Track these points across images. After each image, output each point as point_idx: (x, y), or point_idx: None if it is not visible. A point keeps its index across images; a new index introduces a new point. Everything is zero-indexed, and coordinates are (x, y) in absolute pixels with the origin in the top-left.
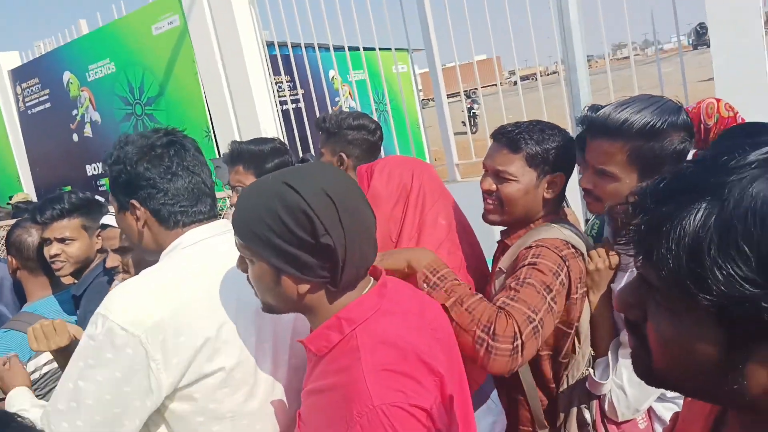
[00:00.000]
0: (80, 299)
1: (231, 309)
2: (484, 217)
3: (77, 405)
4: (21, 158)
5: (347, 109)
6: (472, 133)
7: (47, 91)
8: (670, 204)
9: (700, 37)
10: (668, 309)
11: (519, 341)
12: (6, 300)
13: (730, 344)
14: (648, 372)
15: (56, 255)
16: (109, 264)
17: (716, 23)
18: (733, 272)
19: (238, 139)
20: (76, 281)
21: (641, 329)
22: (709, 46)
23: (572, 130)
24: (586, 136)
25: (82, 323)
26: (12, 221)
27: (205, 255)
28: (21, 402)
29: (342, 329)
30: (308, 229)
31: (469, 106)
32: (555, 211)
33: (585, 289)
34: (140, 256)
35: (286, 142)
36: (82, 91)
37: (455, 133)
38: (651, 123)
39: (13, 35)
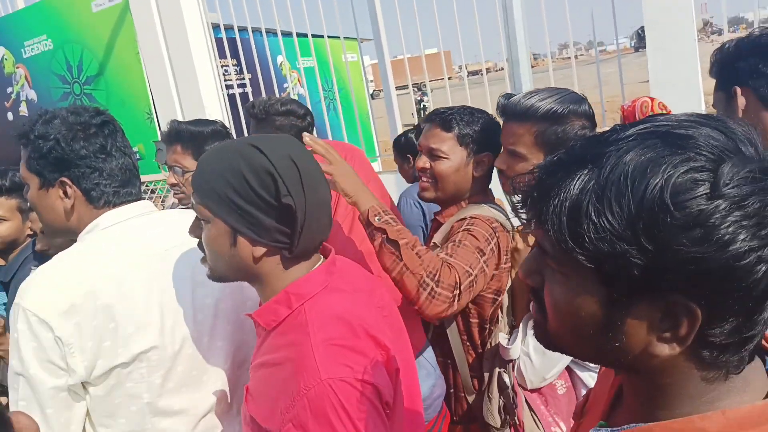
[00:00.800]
0: (8, 285)
1: (152, 290)
2: (420, 195)
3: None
4: None
5: (295, 96)
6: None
7: None
8: (558, 174)
9: (642, 39)
10: (560, 272)
11: (458, 291)
12: None
13: (609, 301)
14: (545, 335)
15: None
16: (38, 247)
17: (652, 26)
18: (606, 228)
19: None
20: (2, 262)
21: (541, 295)
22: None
23: None
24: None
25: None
26: None
27: (124, 236)
28: None
29: (290, 303)
30: (271, 189)
31: (419, 98)
32: (483, 191)
33: (509, 263)
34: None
35: (232, 126)
36: (17, 68)
37: (405, 125)
38: (554, 109)
39: None
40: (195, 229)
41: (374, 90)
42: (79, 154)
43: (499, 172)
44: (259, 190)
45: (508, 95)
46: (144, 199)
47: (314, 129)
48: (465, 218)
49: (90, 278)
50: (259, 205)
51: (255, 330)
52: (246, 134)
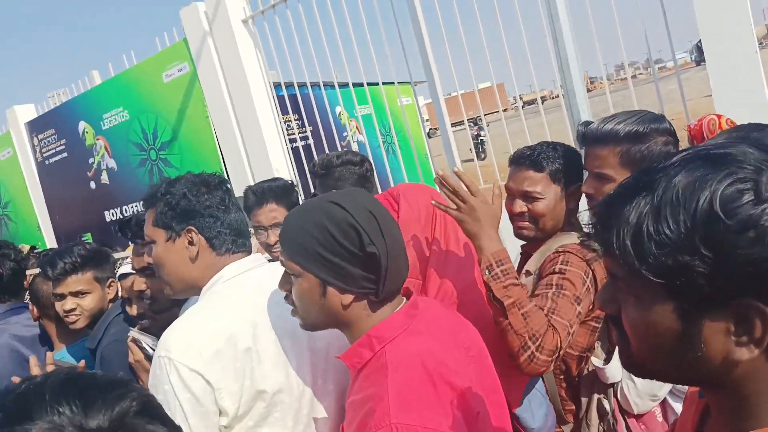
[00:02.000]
0: (95, 351)
1: (272, 335)
2: (518, 234)
3: None
4: (40, 207)
5: (355, 143)
6: (481, 159)
7: (63, 141)
8: (616, 204)
9: (702, 53)
10: (631, 294)
11: (557, 354)
12: (36, 348)
13: (683, 313)
14: (630, 361)
15: (71, 310)
16: (133, 312)
17: (709, 38)
18: (667, 243)
19: (250, 179)
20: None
21: (620, 321)
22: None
23: None
24: (583, 147)
25: None
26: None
27: (247, 285)
28: None
29: (373, 346)
30: (355, 240)
31: (476, 133)
32: (570, 221)
33: None
34: (162, 299)
35: (297, 177)
36: (97, 139)
37: (464, 161)
38: (635, 129)
39: (28, 88)
40: (284, 284)
41: (430, 129)
42: (203, 204)
43: (588, 197)
44: (344, 242)
45: (587, 123)
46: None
47: (374, 173)
48: (558, 252)
49: (228, 325)
50: (346, 257)
51: None
52: (311, 186)
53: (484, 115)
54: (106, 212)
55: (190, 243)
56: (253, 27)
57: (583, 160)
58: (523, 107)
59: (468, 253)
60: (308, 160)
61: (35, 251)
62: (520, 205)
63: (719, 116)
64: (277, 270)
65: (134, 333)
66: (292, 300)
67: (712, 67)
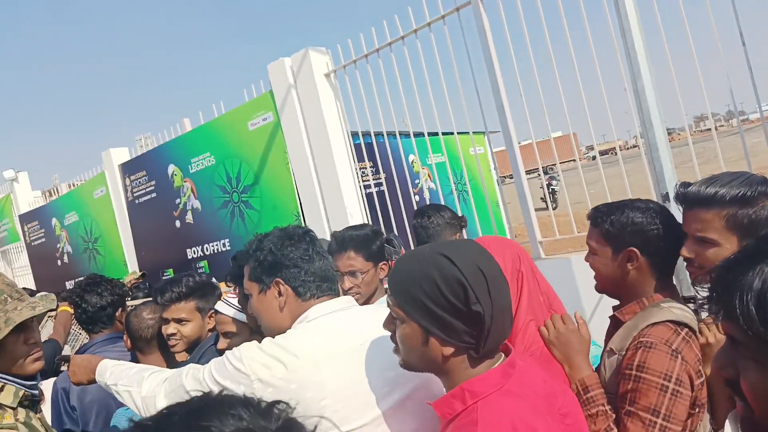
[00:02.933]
0: None
1: (347, 381)
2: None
3: None
4: (128, 244)
5: (427, 191)
6: (553, 209)
7: (153, 182)
8: (737, 269)
9: None
10: (753, 359)
11: None
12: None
13: None
14: (753, 428)
15: (172, 334)
16: (219, 346)
17: None
18: None
19: (325, 222)
20: (186, 357)
21: (738, 386)
22: None
23: None
24: (682, 209)
25: None
26: (136, 302)
27: (328, 328)
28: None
29: (465, 400)
30: (461, 297)
31: (547, 182)
32: (666, 287)
33: (702, 374)
34: (245, 340)
35: (370, 221)
36: (185, 181)
37: (536, 209)
38: (742, 192)
39: (124, 133)
40: (389, 324)
41: (498, 177)
42: (288, 257)
43: (687, 261)
44: (450, 298)
45: (685, 184)
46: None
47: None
48: (642, 342)
49: (290, 363)
50: (450, 311)
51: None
52: (384, 231)
53: (558, 163)
54: (188, 250)
55: (279, 294)
56: (334, 80)
57: (650, 224)
58: (594, 158)
59: (556, 307)
60: (381, 206)
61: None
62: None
63: None
64: (361, 314)
65: None
66: (395, 341)
67: None
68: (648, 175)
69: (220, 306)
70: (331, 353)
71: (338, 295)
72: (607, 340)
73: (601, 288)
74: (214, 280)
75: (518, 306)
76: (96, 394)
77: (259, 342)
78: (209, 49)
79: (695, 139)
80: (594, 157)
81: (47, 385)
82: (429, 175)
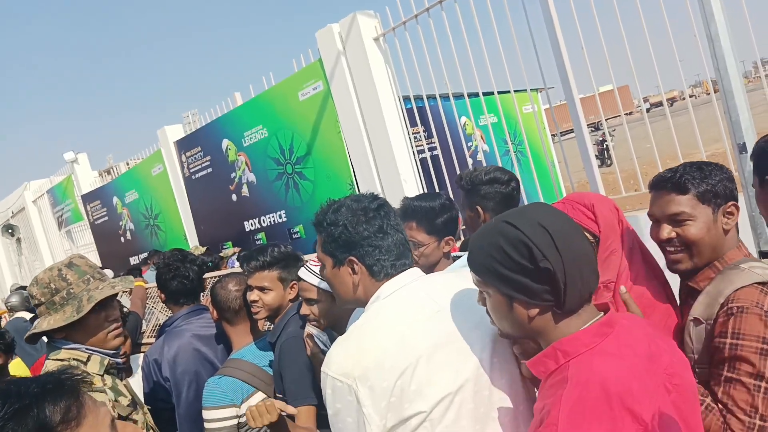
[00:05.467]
0: (275, 344)
1: (428, 350)
2: (672, 268)
3: None
4: (187, 219)
5: (482, 152)
6: (607, 165)
7: (208, 158)
8: None
9: None
10: None
11: None
12: (213, 347)
13: None
14: None
15: (255, 301)
16: (302, 311)
17: None
18: None
19: (380, 189)
20: (270, 325)
21: None
22: None
23: (733, 159)
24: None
25: (276, 374)
26: (218, 272)
27: (402, 303)
28: None
29: (557, 359)
30: (527, 256)
31: (601, 138)
32: (736, 244)
33: None
34: (327, 306)
35: (425, 187)
36: (239, 155)
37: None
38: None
39: (178, 110)
40: (480, 299)
41: (557, 132)
42: (362, 236)
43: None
44: (519, 259)
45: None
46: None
47: (521, 191)
48: (731, 310)
49: (377, 346)
50: (522, 272)
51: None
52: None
53: (613, 117)
54: (245, 222)
55: (353, 271)
56: (384, 44)
57: (733, 178)
58: (648, 110)
59: (655, 266)
60: (435, 170)
61: (210, 254)
62: (668, 230)
63: None
64: (431, 284)
65: (309, 328)
66: (489, 314)
67: None
68: (721, 125)
69: (302, 273)
70: (410, 325)
71: (412, 266)
72: (681, 309)
73: (699, 262)
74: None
75: (622, 259)
76: (187, 365)
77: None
78: (256, 24)
79: (757, 86)
80: (649, 109)
81: (138, 360)
82: (482, 137)
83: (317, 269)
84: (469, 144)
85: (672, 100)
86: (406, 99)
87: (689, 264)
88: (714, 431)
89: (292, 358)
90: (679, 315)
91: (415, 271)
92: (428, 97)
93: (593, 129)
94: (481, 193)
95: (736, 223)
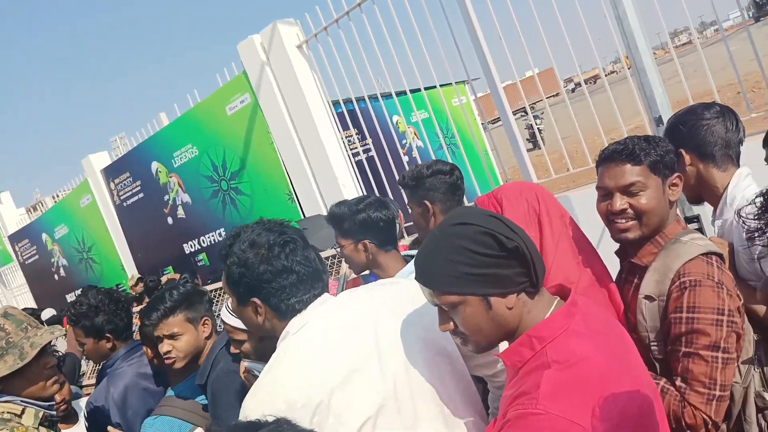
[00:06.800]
0: (205, 386)
1: (343, 377)
2: (619, 237)
3: None
4: (122, 248)
5: (416, 149)
6: (539, 148)
7: (139, 182)
8: None
9: (761, 8)
10: None
11: (711, 421)
12: (151, 389)
13: None
14: None
15: (168, 351)
16: (233, 350)
17: None
18: None
19: (318, 197)
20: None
21: None
22: None
23: (652, 132)
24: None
25: (212, 416)
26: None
27: (310, 334)
28: None
29: (533, 346)
30: (494, 245)
31: (531, 123)
32: (675, 218)
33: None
34: (257, 341)
35: (364, 190)
36: (170, 177)
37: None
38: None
39: (102, 136)
40: (445, 322)
41: (486, 121)
42: (264, 279)
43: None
44: (487, 251)
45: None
46: (329, 275)
47: (463, 180)
48: (683, 285)
49: (286, 387)
50: (494, 263)
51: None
52: (391, 197)
53: (538, 101)
54: (184, 245)
55: (257, 312)
56: (307, 51)
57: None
58: (573, 90)
59: (588, 250)
60: (372, 171)
61: (144, 280)
62: (621, 201)
63: None
64: (337, 306)
65: (246, 362)
66: (459, 334)
67: None
68: (637, 100)
69: (224, 315)
70: (320, 362)
71: (325, 289)
72: (623, 287)
73: (647, 232)
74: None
75: (543, 247)
76: (137, 406)
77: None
78: (179, 40)
79: (671, 55)
80: (574, 89)
81: (81, 404)
82: (415, 134)
83: None
84: (404, 142)
85: (595, 78)
86: (336, 103)
87: (638, 233)
88: (673, 411)
89: (225, 399)
90: (619, 295)
91: (324, 298)
92: (358, 100)
93: (524, 114)
94: (426, 186)
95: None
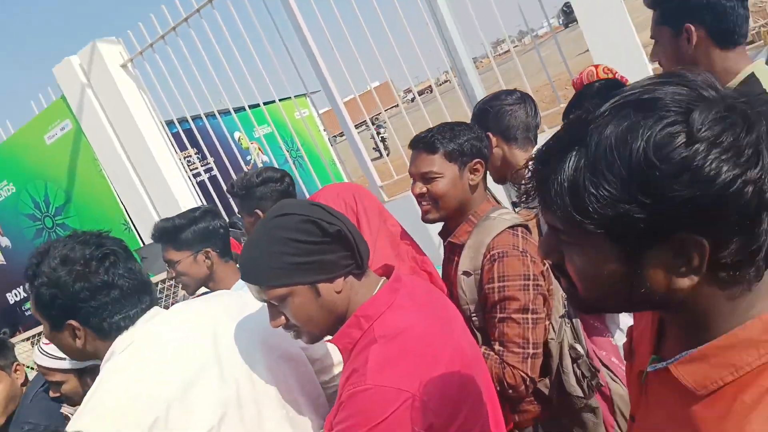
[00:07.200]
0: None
1: (180, 390)
2: (424, 218)
3: None
4: None
5: (261, 164)
6: (387, 155)
7: None
8: (551, 161)
9: (568, 15)
10: (573, 244)
11: (528, 377)
12: None
13: (625, 257)
14: (580, 303)
15: None
16: (52, 394)
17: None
18: (606, 196)
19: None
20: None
21: (564, 268)
22: (578, 22)
23: None
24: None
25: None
26: None
27: (140, 351)
28: None
29: (361, 326)
30: (316, 231)
31: (376, 131)
32: (485, 198)
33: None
34: (78, 381)
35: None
36: None
37: (373, 159)
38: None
39: None
40: (275, 317)
41: (331, 136)
42: (80, 298)
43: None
44: (310, 238)
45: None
46: (162, 299)
47: (295, 187)
48: (492, 258)
49: (113, 409)
50: (318, 249)
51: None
52: (226, 215)
53: (380, 113)
54: (8, 294)
55: (75, 336)
56: (133, 70)
57: (485, 137)
58: (413, 100)
59: (408, 242)
60: (217, 191)
61: None
62: (419, 187)
63: (596, 66)
64: (169, 318)
65: (66, 409)
66: (292, 327)
67: (584, 22)
68: (464, 105)
69: (36, 357)
70: (153, 372)
71: (154, 303)
72: (446, 267)
73: (445, 213)
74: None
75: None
76: None
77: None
78: None
79: (497, 63)
80: (413, 99)
81: None
82: (260, 149)
83: (51, 347)
84: (248, 158)
85: (431, 87)
86: (171, 123)
87: (437, 215)
88: (495, 374)
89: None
90: (441, 278)
91: (155, 311)
92: (194, 118)
93: (372, 124)
94: (257, 195)
95: (485, 178)
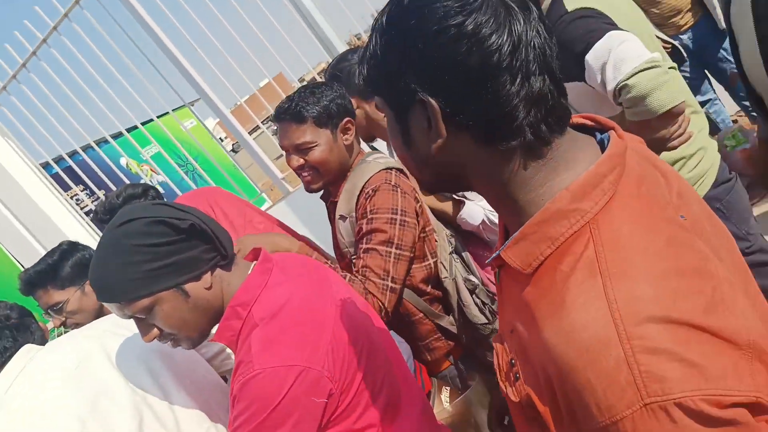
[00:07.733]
0: None
1: (85, 400)
2: (308, 189)
3: None
4: None
5: (158, 185)
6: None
7: None
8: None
9: None
10: (392, 128)
11: (384, 309)
12: None
13: (398, 119)
14: (424, 185)
15: None
16: None
17: None
18: (375, 63)
19: None
20: None
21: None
22: None
23: None
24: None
25: None
26: None
27: (22, 399)
28: None
29: (239, 315)
30: (168, 230)
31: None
32: (358, 152)
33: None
34: None
35: None
36: None
37: (278, 157)
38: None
39: None
40: (147, 331)
41: (233, 144)
42: None
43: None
44: (163, 239)
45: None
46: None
47: (161, 197)
48: (367, 192)
49: None
50: (175, 249)
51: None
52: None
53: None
54: None
55: None
56: None
57: (346, 93)
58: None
59: (279, 231)
60: (92, 221)
61: None
62: (296, 160)
63: None
64: (45, 355)
65: None
66: (167, 337)
67: None
68: None
69: None
70: (45, 413)
71: (19, 345)
72: (333, 228)
73: (328, 180)
74: None
75: None
76: None
77: None
78: None
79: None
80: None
81: None
82: (152, 170)
83: None
84: (142, 181)
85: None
86: (47, 166)
87: (320, 182)
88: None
89: None
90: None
91: (29, 350)
92: (71, 155)
93: (270, 123)
94: None
95: (357, 134)
